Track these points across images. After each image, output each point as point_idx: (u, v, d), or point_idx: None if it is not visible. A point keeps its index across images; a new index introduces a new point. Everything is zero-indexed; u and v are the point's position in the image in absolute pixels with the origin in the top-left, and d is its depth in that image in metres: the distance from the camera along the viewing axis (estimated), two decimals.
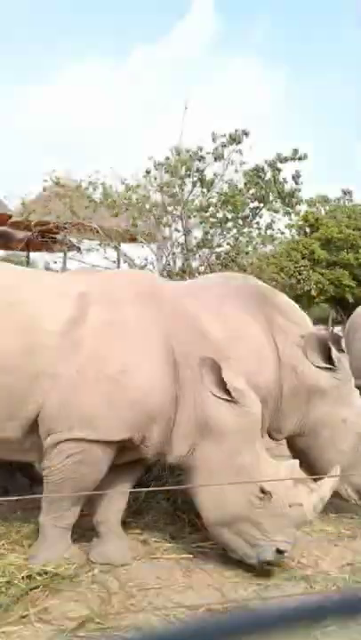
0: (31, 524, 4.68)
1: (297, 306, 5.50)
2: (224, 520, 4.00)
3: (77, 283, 4.34)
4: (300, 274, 16.81)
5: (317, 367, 5.00)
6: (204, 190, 14.26)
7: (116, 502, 4.30)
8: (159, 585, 3.90)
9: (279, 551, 3.95)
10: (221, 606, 3.61)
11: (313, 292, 21.33)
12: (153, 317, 4.14)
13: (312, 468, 4.99)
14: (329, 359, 4.99)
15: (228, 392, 3.95)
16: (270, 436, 5.13)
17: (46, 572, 3.82)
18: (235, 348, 4.46)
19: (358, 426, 5.02)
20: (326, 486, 4.12)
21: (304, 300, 27.78)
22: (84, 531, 4.49)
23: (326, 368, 5.01)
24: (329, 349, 4.99)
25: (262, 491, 3.91)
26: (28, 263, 22.70)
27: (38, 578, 3.77)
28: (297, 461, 4.21)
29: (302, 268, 16.77)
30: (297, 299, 27.17)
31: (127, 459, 4.19)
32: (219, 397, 3.96)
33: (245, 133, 12.96)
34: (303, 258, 19.96)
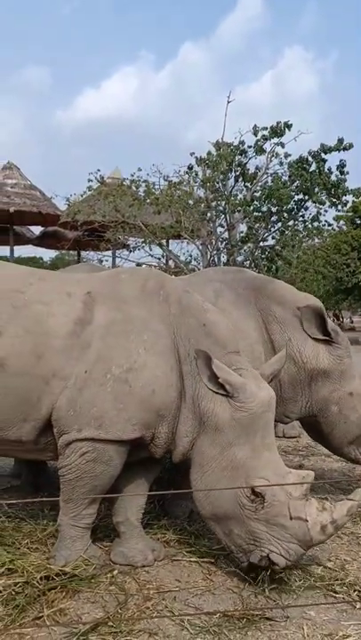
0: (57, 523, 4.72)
1: (296, 291, 5.40)
2: (216, 516, 3.89)
3: (83, 282, 4.33)
4: (348, 266, 16.37)
5: (315, 339, 5.04)
6: (248, 184, 14.11)
7: (135, 502, 4.28)
8: (178, 588, 3.84)
9: (271, 561, 3.71)
10: (238, 613, 3.52)
11: None
12: (159, 314, 4.12)
13: (327, 445, 5.45)
14: (325, 331, 5.05)
15: (222, 386, 3.85)
16: (279, 420, 5.17)
17: (65, 573, 3.83)
18: None
19: None
20: (342, 509, 3.76)
21: (356, 292, 27.14)
22: (108, 531, 4.50)
23: (324, 340, 5.06)
24: (325, 321, 5.04)
25: (253, 492, 3.71)
26: (79, 262, 23.06)
27: (56, 578, 3.78)
28: (311, 473, 3.91)
29: (350, 260, 16.31)
30: (347, 291, 26.64)
31: (141, 456, 4.17)
32: (213, 391, 3.88)
33: (288, 126, 12.72)
34: (353, 250, 19.39)
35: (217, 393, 3.88)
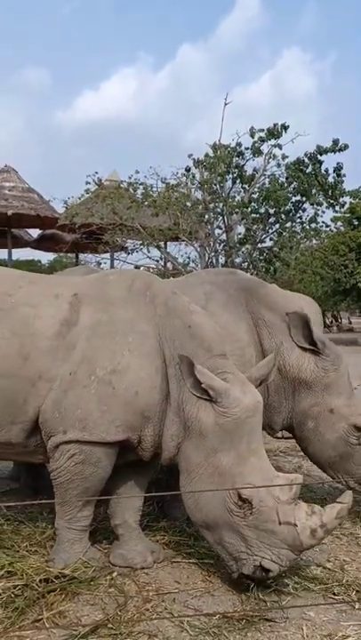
0: None
1: (290, 296, 5.29)
2: (206, 523, 3.84)
3: (71, 284, 4.34)
4: (345, 267, 16.39)
5: (302, 348, 4.83)
6: (245, 186, 14.14)
7: (132, 504, 4.27)
8: (177, 589, 3.84)
9: (264, 569, 3.65)
10: (238, 614, 3.52)
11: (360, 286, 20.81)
12: (144, 316, 4.09)
13: (312, 460, 5.08)
14: (312, 341, 4.82)
15: (205, 391, 3.81)
16: (267, 432, 5.01)
17: (64, 576, 3.83)
18: None
19: (350, 414, 4.75)
20: (332, 512, 3.71)
21: (354, 293, 27.15)
22: (107, 533, 4.51)
23: (311, 350, 4.83)
24: (310, 330, 4.81)
25: (240, 497, 3.65)
26: (77, 264, 23.06)
27: (55, 581, 3.77)
28: (300, 476, 3.85)
29: (348, 261, 16.33)
30: (346, 292, 26.75)
31: (130, 459, 4.16)
32: (197, 396, 3.83)
33: (284, 127, 12.75)
34: (351, 251, 19.40)
35: (200, 398, 3.82)
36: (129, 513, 4.26)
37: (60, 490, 4.01)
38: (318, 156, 12.95)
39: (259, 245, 14.06)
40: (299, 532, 3.61)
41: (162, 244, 15.23)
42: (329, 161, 13.34)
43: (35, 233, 22.88)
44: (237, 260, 14.06)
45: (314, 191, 13.10)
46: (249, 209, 13.35)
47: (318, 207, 13.50)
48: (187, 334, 4.04)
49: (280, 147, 13.16)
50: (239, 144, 13.32)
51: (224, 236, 14.16)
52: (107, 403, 3.85)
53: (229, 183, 13.79)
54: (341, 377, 4.87)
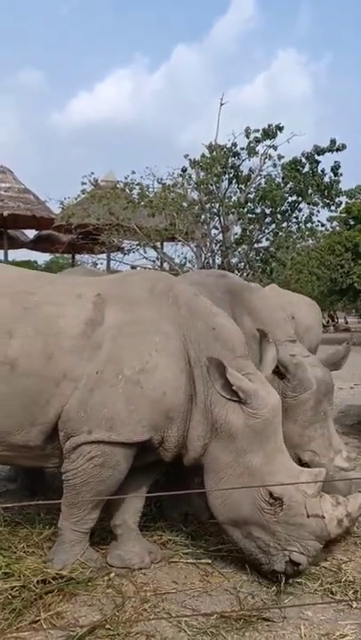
0: (53, 526, 4.71)
1: (276, 306, 5.08)
2: (235, 522, 3.90)
3: (93, 284, 4.32)
4: (341, 267, 16.40)
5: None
6: (242, 186, 14.14)
7: (133, 505, 4.27)
8: (175, 589, 3.83)
9: (294, 563, 3.76)
10: (235, 614, 3.52)
11: (357, 286, 20.82)
12: (168, 317, 4.08)
13: None
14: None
15: (235, 393, 3.84)
16: None
17: (62, 576, 3.82)
18: None
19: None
20: (356, 501, 3.92)
21: (350, 293, 27.14)
22: (105, 534, 4.50)
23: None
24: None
25: (272, 496, 3.75)
26: (73, 265, 23.05)
27: (53, 582, 3.76)
28: (323, 470, 3.98)
29: (344, 261, 16.32)
30: (342, 292, 26.69)
31: (148, 460, 4.14)
32: (226, 398, 3.86)
33: (279, 128, 12.76)
34: (347, 251, 19.37)
35: (230, 400, 3.85)
36: (129, 514, 4.25)
37: (71, 491, 3.96)
38: (316, 155, 12.96)
39: (255, 245, 14.10)
40: (327, 522, 3.77)
41: (158, 244, 15.23)
42: (326, 161, 13.32)
43: (31, 234, 22.90)
44: (234, 261, 14.09)
45: (310, 191, 13.11)
46: (245, 209, 13.38)
47: (314, 207, 13.53)
48: (211, 336, 4.05)
49: (275, 147, 13.18)
50: (235, 144, 13.33)
51: (220, 237, 14.18)
52: (134, 402, 3.83)
53: (225, 183, 13.82)
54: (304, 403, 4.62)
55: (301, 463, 4.44)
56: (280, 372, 4.58)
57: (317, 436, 4.58)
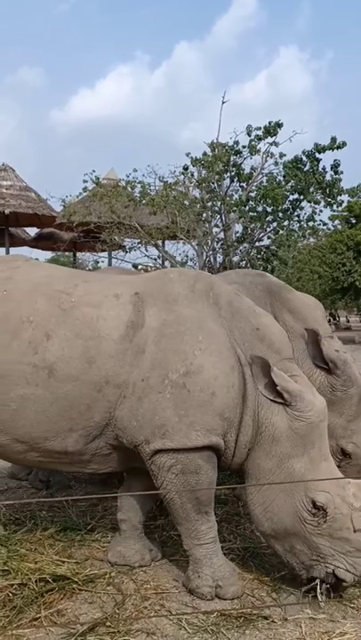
0: (56, 523, 4.73)
1: (313, 305, 5.16)
2: (276, 533, 3.70)
3: (129, 283, 4.16)
4: (343, 265, 16.38)
5: (315, 365, 4.66)
6: (243, 185, 14.11)
7: (142, 504, 4.20)
8: (175, 587, 3.84)
9: (338, 578, 3.54)
10: (236, 612, 3.52)
11: (358, 284, 20.78)
12: (211, 314, 3.94)
13: None
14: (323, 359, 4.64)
15: (280, 394, 3.70)
16: None
17: (64, 577, 3.82)
18: None
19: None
20: None
21: (352, 292, 27.17)
22: (106, 531, 4.50)
23: (323, 368, 4.67)
24: (321, 350, 4.61)
25: (315, 505, 3.54)
26: (74, 263, 23.05)
27: (52, 583, 3.75)
28: None
29: (345, 259, 16.30)
30: (343, 291, 26.74)
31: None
32: (270, 399, 3.73)
33: (279, 125, 12.72)
34: (349, 249, 19.35)
35: (274, 401, 3.72)
36: (136, 512, 4.20)
37: (175, 508, 3.80)
38: (316, 153, 12.92)
39: (256, 244, 14.05)
40: None
41: (160, 242, 15.20)
42: (327, 159, 13.29)
43: (32, 232, 22.87)
44: (235, 259, 14.05)
45: (312, 189, 13.08)
46: (247, 207, 13.32)
47: (316, 205, 13.49)
48: (255, 337, 3.90)
49: (276, 144, 13.15)
50: (237, 142, 13.30)
51: (222, 235, 14.14)
52: (183, 407, 3.66)
53: (227, 181, 13.76)
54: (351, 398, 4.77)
55: (344, 454, 4.56)
56: (327, 368, 4.67)
57: (360, 429, 4.72)
